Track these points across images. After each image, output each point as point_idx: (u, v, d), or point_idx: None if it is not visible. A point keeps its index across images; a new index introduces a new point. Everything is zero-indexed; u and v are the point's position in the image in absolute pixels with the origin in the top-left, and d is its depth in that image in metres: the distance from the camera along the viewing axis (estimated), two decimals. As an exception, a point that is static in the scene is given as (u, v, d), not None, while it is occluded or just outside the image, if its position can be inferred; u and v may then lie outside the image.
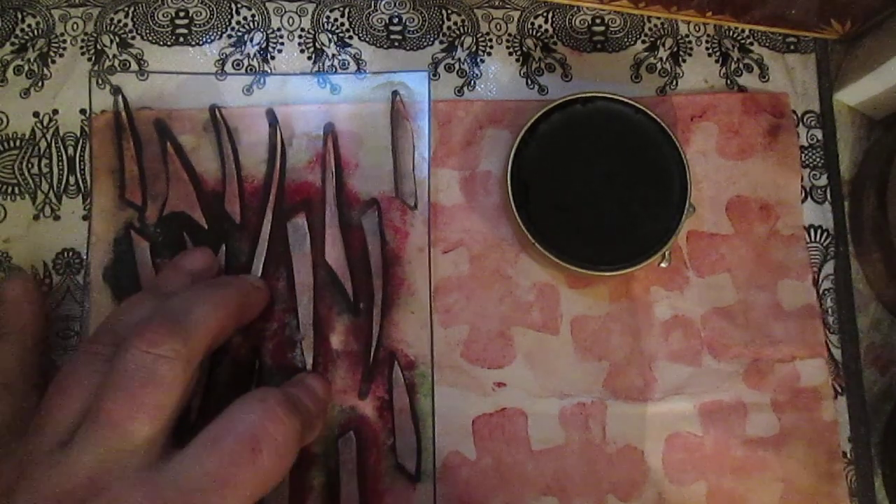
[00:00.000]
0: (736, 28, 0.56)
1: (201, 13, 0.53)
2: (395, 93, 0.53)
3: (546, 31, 0.55)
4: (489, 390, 0.50)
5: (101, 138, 0.51)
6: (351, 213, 0.51)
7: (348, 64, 0.54)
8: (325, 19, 0.54)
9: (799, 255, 0.53)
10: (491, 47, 0.54)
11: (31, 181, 0.51)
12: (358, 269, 0.50)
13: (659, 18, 0.55)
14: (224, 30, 0.53)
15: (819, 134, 0.55)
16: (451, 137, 0.52)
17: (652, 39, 0.55)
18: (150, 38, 0.53)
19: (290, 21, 0.54)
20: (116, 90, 0.52)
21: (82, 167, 0.51)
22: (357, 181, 0.51)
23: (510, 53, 0.54)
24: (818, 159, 0.54)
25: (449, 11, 0.55)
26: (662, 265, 0.48)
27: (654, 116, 0.48)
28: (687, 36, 0.55)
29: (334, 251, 0.50)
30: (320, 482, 0.48)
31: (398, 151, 0.52)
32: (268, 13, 0.54)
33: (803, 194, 0.54)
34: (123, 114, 0.51)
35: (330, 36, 0.54)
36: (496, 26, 0.55)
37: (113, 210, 0.50)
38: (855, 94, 0.54)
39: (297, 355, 0.49)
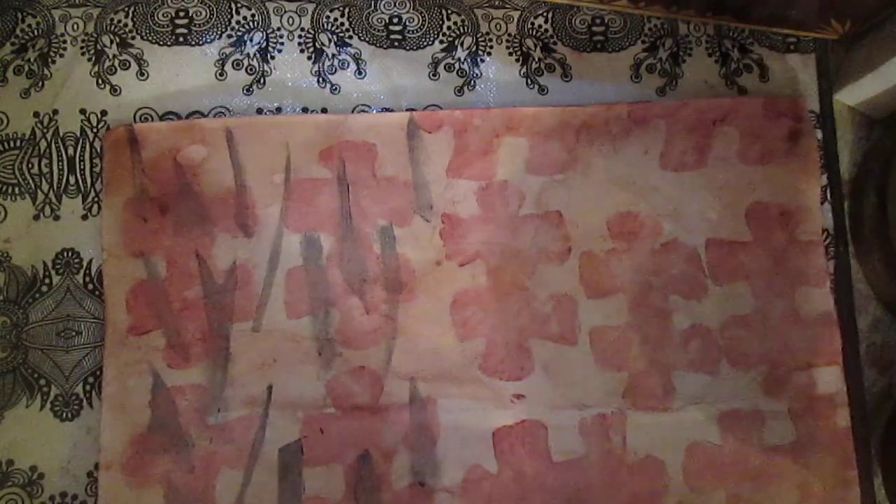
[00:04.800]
0: (736, 28, 0.56)
1: (201, 13, 0.54)
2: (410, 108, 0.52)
3: (546, 31, 0.55)
4: (508, 402, 0.49)
5: (115, 153, 0.50)
6: (367, 225, 0.50)
7: (348, 63, 0.54)
8: (324, 19, 0.54)
9: (817, 261, 0.52)
10: (491, 47, 0.54)
11: (31, 181, 0.51)
12: (374, 282, 0.50)
13: (659, 18, 0.55)
14: (224, 30, 0.53)
15: (819, 134, 0.55)
16: (467, 147, 0.51)
17: (652, 39, 0.55)
18: (150, 38, 0.53)
19: (290, 21, 0.54)
20: (117, 91, 0.52)
21: (82, 167, 0.51)
22: (373, 193, 0.51)
23: (510, 53, 0.54)
24: (818, 159, 0.54)
25: (449, 11, 0.55)
26: None
27: None
28: (687, 36, 0.56)
29: (350, 265, 0.50)
30: (337, 500, 0.47)
31: (414, 163, 0.51)
32: (267, 13, 0.54)
33: (803, 194, 0.54)
34: (135, 128, 0.50)
35: (330, 36, 0.54)
36: (496, 26, 0.55)
37: (124, 225, 0.49)
38: (855, 94, 0.54)
39: (315, 369, 0.49)
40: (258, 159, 0.50)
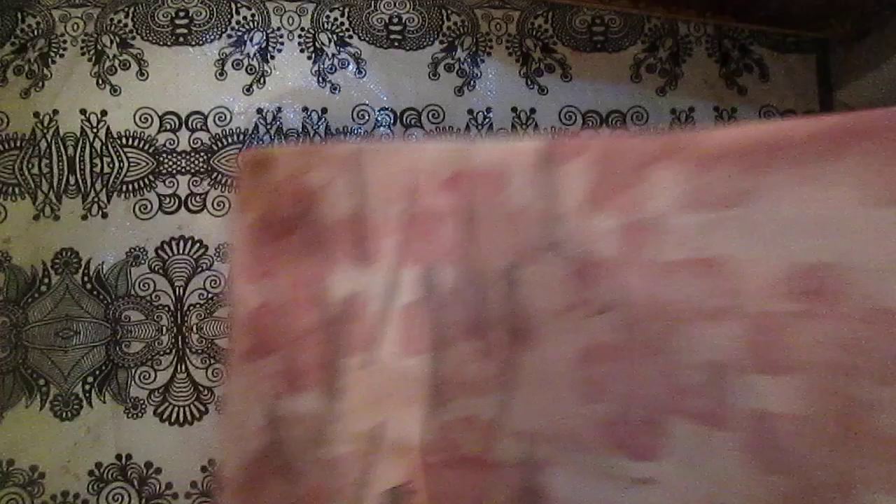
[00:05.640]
0: (736, 28, 0.56)
1: (201, 13, 0.54)
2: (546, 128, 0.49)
3: (546, 31, 0.55)
4: (632, 485, 0.41)
5: (250, 174, 0.48)
6: (490, 263, 0.45)
7: (348, 63, 0.54)
8: (324, 19, 0.54)
9: None
10: (491, 47, 0.54)
11: (31, 181, 0.51)
12: (494, 326, 0.44)
13: (659, 18, 0.55)
14: (224, 30, 0.54)
15: (819, 134, 0.55)
16: (611, 177, 0.43)
17: (652, 39, 0.55)
18: (150, 38, 0.53)
19: (290, 21, 0.54)
20: (117, 91, 0.52)
21: (82, 167, 0.51)
22: (498, 227, 0.45)
23: (510, 53, 0.54)
24: None
25: (449, 11, 0.55)
26: None
27: None
28: (687, 36, 0.55)
29: (469, 305, 0.45)
30: None
31: (546, 195, 0.45)
32: (267, 13, 0.54)
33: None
34: (270, 151, 0.49)
35: (330, 35, 0.54)
36: (496, 26, 0.55)
37: (252, 247, 0.48)
38: (855, 94, 0.54)
39: (426, 412, 0.45)
40: (381, 187, 0.47)
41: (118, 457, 0.49)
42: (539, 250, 0.44)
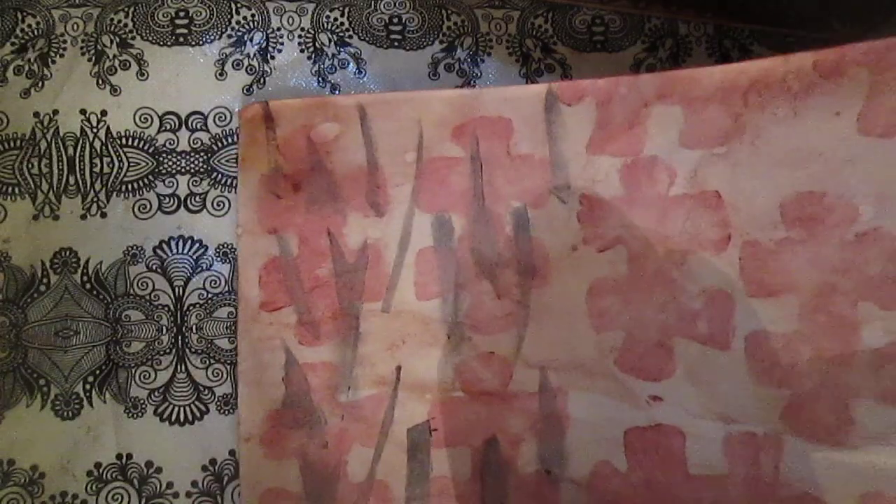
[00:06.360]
0: (736, 28, 0.56)
1: (201, 13, 0.54)
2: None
3: (546, 31, 0.55)
4: (643, 403, 0.44)
5: (250, 129, 0.49)
6: (500, 206, 0.48)
7: (348, 63, 0.54)
8: (324, 19, 0.54)
9: None
10: (491, 47, 0.54)
11: (31, 181, 0.51)
12: (506, 266, 0.47)
13: (659, 18, 0.55)
14: (224, 30, 0.54)
15: (819, 134, 0.55)
16: (611, 120, 0.45)
17: (652, 39, 0.55)
18: (150, 38, 0.53)
19: (290, 21, 0.54)
20: (117, 91, 0.52)
21: (82, 167, 0.51)
22: (507, 172, 0.47)
23: (510, 53, 0.54)
24: None
25: (449, 11, 0.55)
26: None
27: None
28: (687, 36, 0.55)
29: (482, 247, 0.47)
30: (464, 481, 0.46)
31: (552, 139, 0.47)
32: (267, 13, 0.54)
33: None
34: (270, 104, 0.49)
35: (330, 35, 0.54)
36: (496, 26, 0.55)
37: (259, 202, 0.48)
38: (855, 94, 0.54)
39: (444, 352, 0.47)
40: (391, 137, 0.48)
41: (118, 456, 0.49)
42: (546, 193, 0.46)
